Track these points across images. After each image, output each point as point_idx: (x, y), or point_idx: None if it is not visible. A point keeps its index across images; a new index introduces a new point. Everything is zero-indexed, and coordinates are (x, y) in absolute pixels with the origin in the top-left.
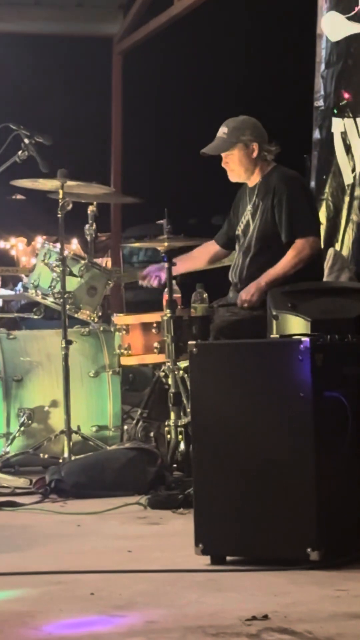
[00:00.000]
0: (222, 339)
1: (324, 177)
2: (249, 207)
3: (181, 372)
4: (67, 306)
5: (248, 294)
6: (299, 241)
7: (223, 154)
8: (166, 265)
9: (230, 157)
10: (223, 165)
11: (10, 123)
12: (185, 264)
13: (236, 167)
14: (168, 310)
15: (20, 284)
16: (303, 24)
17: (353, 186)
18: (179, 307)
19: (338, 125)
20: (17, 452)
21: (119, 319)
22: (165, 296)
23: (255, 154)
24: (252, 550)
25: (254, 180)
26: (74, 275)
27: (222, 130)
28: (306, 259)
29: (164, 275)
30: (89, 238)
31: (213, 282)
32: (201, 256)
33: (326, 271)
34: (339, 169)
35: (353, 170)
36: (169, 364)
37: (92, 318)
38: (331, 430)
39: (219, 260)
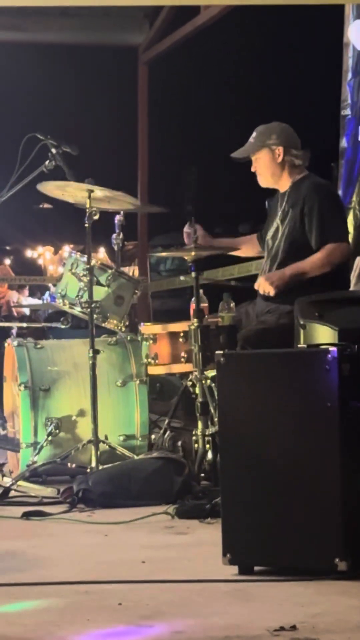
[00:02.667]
0: (249, 348)
1: (351, 185)
2: (279, 213)
3: (208, 381)
4: (95, 315)
5: (269, 279)
6: (330, 245)
7: (253, 158)
8: (193, 274)
9: (258, 161)
10: (252, 169)
11: (37, 133)
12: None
13: (263, 171)
14: (195, 320)
15: (47, 293)
16: (330, 33)
17: None
18: (206, 316)
19: None
20: (44, 461)
21: (146, 328)
22: (193, 305)
23: (280, 159)
24: (280, 561)
25: (283, 186)
26: (101, 285)
27: (252, 135)
28: (335, 263)
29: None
30: (116, 247)
31: (240, 290)
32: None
33: (353, 280)
34: None
35: None
36: (196, 373)
37: (119, 327)
38: (358, 439)
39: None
